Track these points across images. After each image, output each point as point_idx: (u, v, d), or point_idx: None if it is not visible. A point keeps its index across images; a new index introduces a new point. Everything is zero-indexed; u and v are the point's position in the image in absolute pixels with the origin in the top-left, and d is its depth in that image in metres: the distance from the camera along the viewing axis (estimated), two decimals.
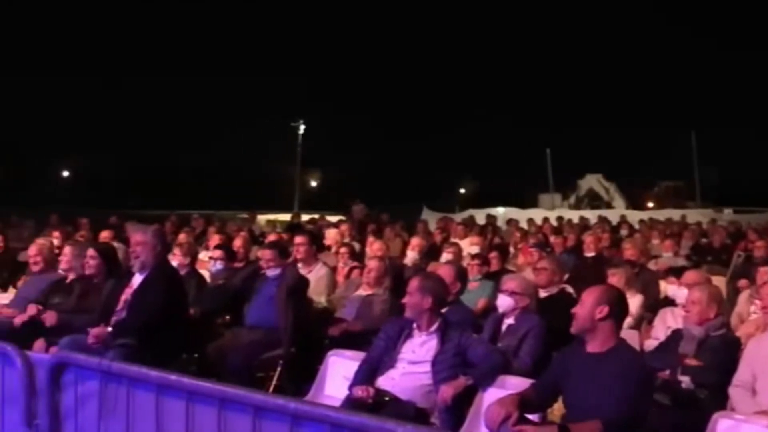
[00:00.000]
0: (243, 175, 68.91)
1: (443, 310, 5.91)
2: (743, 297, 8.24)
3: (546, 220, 22.64)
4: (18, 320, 7.23)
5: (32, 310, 7.29)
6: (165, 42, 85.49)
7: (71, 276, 7.76)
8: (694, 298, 5.93)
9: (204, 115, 78.35)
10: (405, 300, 5.76)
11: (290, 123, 55.03)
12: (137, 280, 6.73)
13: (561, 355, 4.99)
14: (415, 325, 5.71)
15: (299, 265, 8.52)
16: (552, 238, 14.72)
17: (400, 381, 5.51)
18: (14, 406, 4.31)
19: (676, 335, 6.01)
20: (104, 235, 11.45)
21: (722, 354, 5.62)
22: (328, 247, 11.96)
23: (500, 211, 29.36)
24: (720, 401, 5.31)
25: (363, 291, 8.05)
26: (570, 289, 7.83)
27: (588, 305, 4.63)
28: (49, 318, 7.10)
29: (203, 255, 10.72)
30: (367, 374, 5.59)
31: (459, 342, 5.58)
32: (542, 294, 7.36)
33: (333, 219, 20.92)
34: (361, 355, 5.94)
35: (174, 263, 8.01)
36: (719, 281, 9.40)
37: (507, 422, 4.31)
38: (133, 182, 64.66)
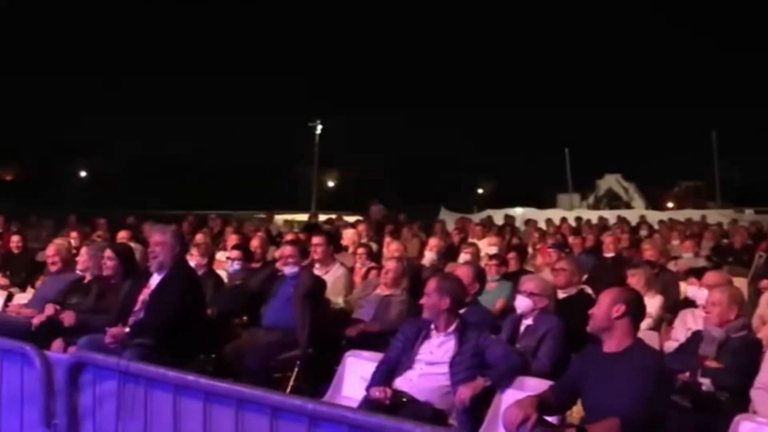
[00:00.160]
0: (260, 176, 69.08)
1: (461, 311, 5.91)
2: (765, 298, 8.18)
3: (564, 220, 22.58)
4: (36, 320, 7.28)
5: (50, 310, 7.34)
6: (182, 42, 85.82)
7: (89, 276, 7.81)
8: (715, 300, 5.90)
9: (221, 116, 78.53)
10: (423, 301, 5.76)
11: (307, 123, 55.11)
12: (155, 280, 6.76)
13: (579, 356, 4.99)
14: (432, 326, 5.70)
15: (316, 265, 8.52)
16: (571, 239, 14.67)
17: (418, 382, 5.51)
18: (33, 405, 4.34)
19: (696, 337, 5.97)
20: (122, 235, 11.51)
21: (743, 356, 5.58)
22: (346, 248, 11.96)
23: (518, 212, 29.28)
24: (741, 404, 5.28)
25: (380, 292, 8.05)
26: (589, 290, 7.80)
27: (605, 305, 4.65)
28: (68, 318, 7.15)
29: (220, 255, 10.76)
30: (384, 375, 5.59)
31: (477, 343, 5.57)
32: (561, 295, 7.34)
33: (350, 219, 20.93)
34: (378, 355, 5.94)
35: (191, 263, 8.04)
36: (740, 282, 9.33)
37: (525, 424, 4.30)
38: (151, 183, 64.91)
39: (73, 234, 12.58)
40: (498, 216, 24.38)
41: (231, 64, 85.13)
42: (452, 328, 5.65)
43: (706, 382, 5.49)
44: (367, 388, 5.50)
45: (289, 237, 11.76)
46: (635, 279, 7.92)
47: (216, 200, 44.13)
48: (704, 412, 5.30)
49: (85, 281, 7.81)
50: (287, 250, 7.83)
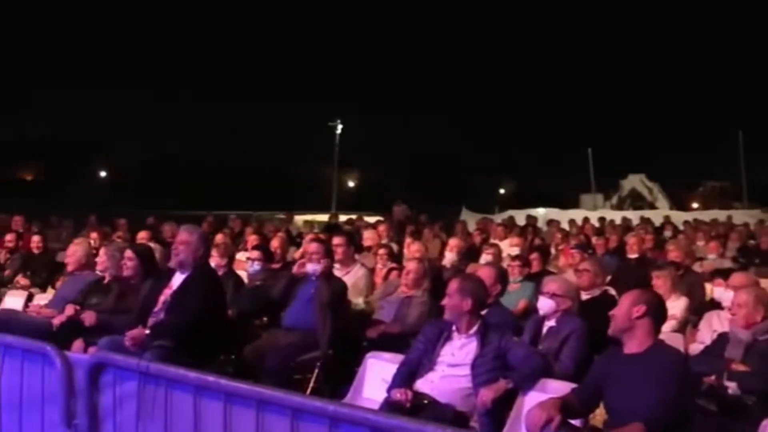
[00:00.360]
0: (280, 176, 69.29)
1: (483, 312, 5.89)
2: None
3: (587, 220, 22.47)
4: (56, 321, 7.32)
5: (70, 310, 7.39)
6: (202, 44, 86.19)
7: (109, 276, 7.85)
8: (741, 301, 5.86)
9: (241, 115, 78.86)
10: (444, 302, 5.75)
11: (328, 123, 55.16)
12: (177, 280, 6.78)
13: (600, 359, 4.97)
14: (454, 328, 5.69)
15: (337, 266, 8.53)
16: (594, 239, 14.61)
17: (439, 384, 5.50)
18: (54, 405, 4.37)
19: (722, 339, 5.93)
20: (141, 235, 11.56)
21: None
22: (368, 248, 11.96)
23: (540, 212, 29.15)
24: None
25: (401, 292, 8.04)
26: (612, 292, 7.75)
27: (625, 306, 4.66)
28: (88, 318, 7.19)
29: (241, 255, 10.78)
30: (405, 377, 5.59)
31: (499, 344, 5.56)
32: (584, 296, 7.31)
33: (371, 220, 20.92)
34: (399, 357, 5.94)
35: (211, 264, 8.07)
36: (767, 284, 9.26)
37: (548, 426, 4.29)
38: (171, 182, 65.20)
39: (93, 234, 12.66)
40: (520, 216, 24.26)
41: (251, 66, 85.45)
42: (474, 329, 5.65)
43: (732, 386, 5.45)
44: (388, 390, 5.50)
45: (309, 237, 11.76)
46: (660, 281, 7.88)
47: (236, 200, 44.27)
48: (730, 416, 5.26)
49: (105, 281, 7.85)
50: (313, 246, 7.84)
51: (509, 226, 18.59)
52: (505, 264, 9.41)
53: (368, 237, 12.74)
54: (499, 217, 25.51)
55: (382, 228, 14.43)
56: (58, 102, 72.84)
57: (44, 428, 4.49)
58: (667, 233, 18.94)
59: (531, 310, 7.52)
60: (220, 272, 8.24)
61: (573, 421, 4.59)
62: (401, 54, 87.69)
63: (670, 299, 7.65)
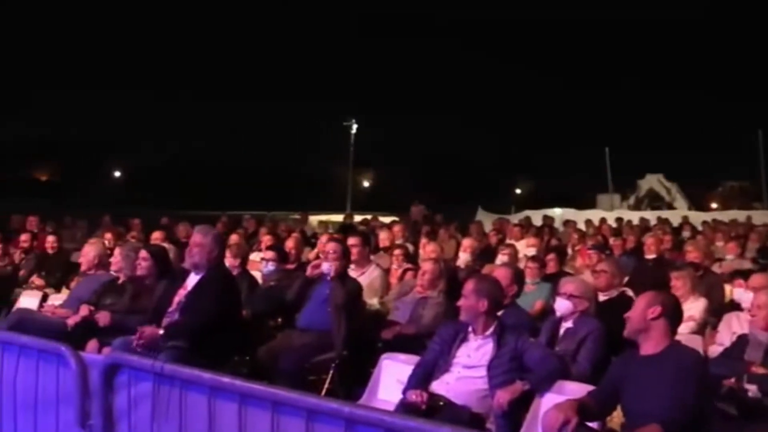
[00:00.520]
0: (295, 176, 69.41)
1: (499, 313, 5.88)
2: None
3: (605, 221, 22.40)
4: (71, 321, 7.36)
5: (84, 310, 7.43)
6: (216, 44, 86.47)
7: (123, 277, 7.88)
8: (761, 302, 5.82)
9: (256, 116, 79.02)
10: (460, 303, 5.74)
11: (342, 122, 55.16)
12: (192, 281, 6.80)
13: (617, 361, 4.96)
14: (470, 329, 5.69)
15: (352, 266, 8.53)
16: (611, 240, 14.56)
17: (455, 385, 5.50)
18: (68, 406, 4.39)
19: (741, 341, 5.90)
20: (155, 236, 11.60)
21: None
22: (383, 248, 11.97)
23: (557, 212, 29.07)
24: None
25: (417, 293, 8.03)
26: (630, 293, 7.73)
27: (640, 307, 4.67)
28: (103, 318, 7.23)
29: (255, 256, 10.80)
30: (421, 378, 5.59)
31: (515, 346, 5.55)
32: (601, 297, 7.29)
33: (386, 220, 20.92)
34: (414, 358, 5.93)
35: (226, 264, 8.08)
36: None
37: (565, 428, 4.28)
38: (185, 182, 65.42)
39: (108, 235, 12.71)
40: (536, 217, 24.21)
41: (268, 66, 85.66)
42: (490, 330, 5.64)
43: (752, 389, 5.41)
44: (404, 392, 5.50)
45: (323, 238, 11.77)
46: (679, 282, 7.84)
47: (251, 200, 44.37)
48: (750, 419, 5.23)
49: (119, 282, 7.88)
50: (329, 246, 7.85)
51: (525, 226, 18.55)
52: (521, 265, 9.40)
53: (384, 237, 12.76)
54: (515, 218, 25.44)
55: (397, 228, 14.43)
56: (73, 102, 73.18)
57: (59, 429, 4.51)
58: (686, 234, 18.86)
59: (547, 311, 7.50)
60: (234, 273, 8.25)
61: (590, 424, 4.57)
62: (418, 54, 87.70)
63: (689, 300, 7.62)
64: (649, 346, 4.57)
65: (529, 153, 74.44)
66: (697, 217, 25.95)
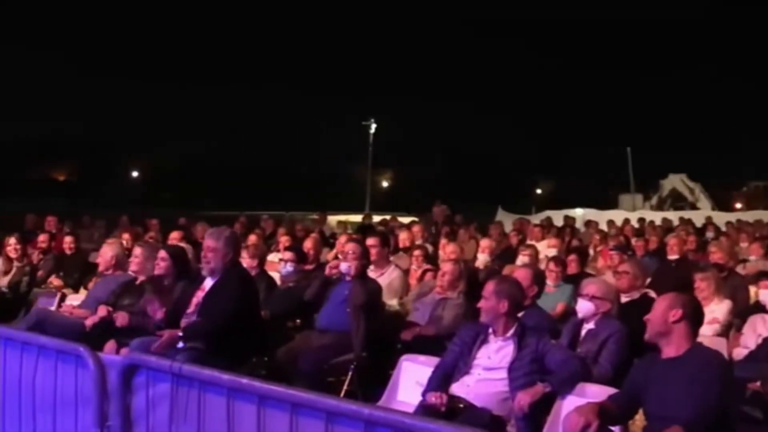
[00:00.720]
0: (314, 176, 69.51)
1: (520, 315, 5.87)
2: None
3: (627, 221, 22.31)
4: (89, 322, 7.40)
5: (103, 311, 7.46)
6: (233, 44, 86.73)
7: (141, 277, 7.91)
8: None
9: (273, 115, 79.18)
10: (480, 304, 5.73)
11: (361, 122, 55.15)
12: (209, 282, 6.82)
13: (638, 364, 4.93)
14: (490, 330, 5.68)
15: (371, 267, 8.53)
16: (633, 241, 14.50)
17: (475, 387, 5.49)
18: (87, 407, 4.42)
19: (766, 343, 5.87)
20: (173, 236, 11.64)
21: None
22: (404, 249, 11.96)
23: (578, 213, 28.99)
24: None
25: (436, 294, 8.03)
26: (652, 294, 7.69)
27: (660, 310, 4.63)
28: (121, 319, 7.25)
29: (273, 257, 10.82)
30: (440, 380, 5.58)
31: (536, 348, 5.53)
32: (623, 299, 7.25)
33: (405, 220, 20.92)
34: (434, 360, 5.93)
35: (244, 265, 8.10)
36: None
37: (587, 431, 4.26)
38: (204, 183, 65.66)
39: (126, 235, 12.77)
40: (557, 217, 24.15)
41: (286, 66, 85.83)
42: (511, 332, 5.63)
43: None
44: (423, 393, 5.50)
45: (342, 238, 11.79)
46: (704, 283, 7.79)
47: (269, 200, 44.48)
48: None
49: (137, 282, 7.91)
50: (350, 246, 7.86)
51: (546, 226, 18.48)
52: (542, 265, 9.37)
53: (404, 238, 12.76)
54: (536, 218, 25.36)
55: (416, 229, 14.42)
56: (91, 102, 73.58)
57: (77, 429, 4.53)
58: (710, 234, 18.73)
59: (569, 313, 7.48)
60: (252, 273, 8.27)
61: (611, 428, 4.55)
62: (438, 52, 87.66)
63: (713, 302, 7.59)
64: (670, 349, 4.54)
65: (550, 153, 74.24)
66: (720, 218, 25.79)
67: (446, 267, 8.17)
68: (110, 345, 6.94)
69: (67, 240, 11.79)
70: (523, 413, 5.26)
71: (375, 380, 6.86)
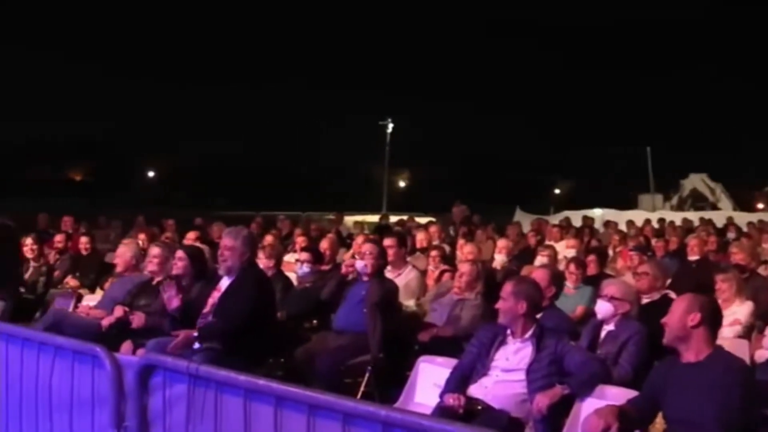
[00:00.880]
0: (330, 176, 69.58)
1: (538, 316, 5.86)
2: None
3: (647, 222, 22.21)
4: (105, 322, 7.44)
5: (119, 312, 7.49)
6: (249, 44, 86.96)
7: (158, 278, 7.94)
8: None
9: (290, 116, 79.33)
10: (498, 305, 5.73)
11: (378, 122, 55.12)
12: (225, 283, 6.85)
13: (657, 368, 4.91)
14: (509, 332, 5.67)
15: (388, 267, 8.54)
16: (653, 241, 14.44)
17: (493, 389, 5.48)
18: (103, 407, 4.43)
19: None
20: (189, 236, 11.68)
21: None
22: (421, 250, 11.96)
23: (597, 213, 28.89)
24: None
25: (454, 295, 8.02)
26: (673, 295, 7.65)
27: (678, 314, 4.57)
28: (137, 320, 7.28)
29: (289, 257, 10.84)
30: (458, 382, 5.58)
31: (555, 349, 5.52)
32: (643, 300, 7.23)
33: (422, 220, 20.91)
34: (452, 361, 5.93)
35: (260, 266, 8.12)
36: None
37: None
38: (220, 183, 65.85)
39: (142, 235, 12.82)
40: (576, 217, 24.06)
41: (300, 66, 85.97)
42: (529, 333, 5.62)
43: None
44: (441, 395, 5.50)
45: (359, 239, 11.80)
46: (726, 284, 7.75)
47: (285, 201, 44.57)
48: None
49: (154, 283, 7.94)
50: (367, 246, 7.87)
51: (565, 227, 18.43)
52: (561, 266, 9.34)
53: (421, 238, 12.76)
54: (554, 218, 25.30)
55: (433, 229, 14.42)
56: (108, 102, 73.94)
57: (94, 430, 4.55)
58: (731, 235, 18.64)
59: (589, 315, 7.45)
60: (269, 274, 8.29)
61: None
62: (454, 52, 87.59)
63: (734, 303, 7.55)
64: (690, 354, 4.50)
65: (568, 152, 73.93)
66: (742, 218, 25.62)
67: (464, 268, 8.16)
68: (126, 345, 6.97)
69: (83, 240, 11.85)
70: (541, 415, 5.25)
71: (392, 381, 6.87)
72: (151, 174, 74.17)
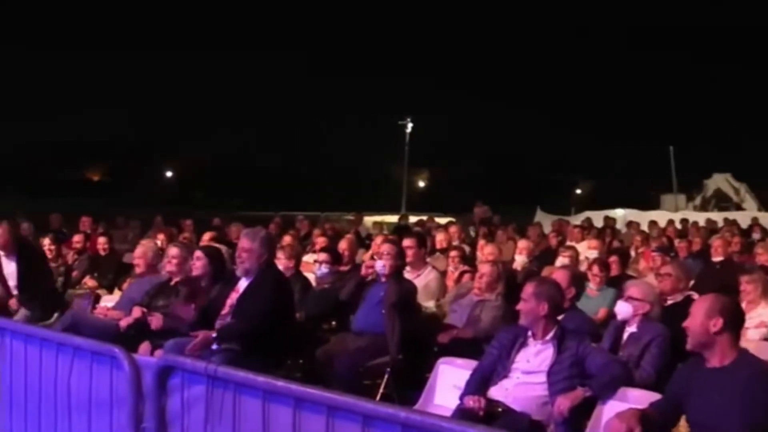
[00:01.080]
0: (349, 176, 69.62)
1: (559, 318, 5.85)
2: None
3: (670, 222, 22.11)
4: (123, 323, 7.48)
5: (137, 312, 7.53)
6: (267, 44, 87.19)
7: (176, 278, 7.97)
8: None
9: (310, 116, 79.42)
10: (519, 306, 5.72)
11: (398, 122, 55.09)
12: (243, 284, 6.87)
13: (680, 371, 4.88)
14: (530, 333, 5.66)
15: (407, 268, 8.54)
16: (676, 242, 14.37)
17: (514, 391, 5.47)
18: (122, 408, 4.45)
19: None
20: (206, 237, 11.71)
21: None
22: (441, 250, 11.95)
23: (619, 213, 28.75)
24: None
25: (474, 296, 8.01)
26: (696, 297, 7.61)
27: (699, 318, 4.52)
28: (155, 321, 7.31)
29: (308, 258, 10.86)
30: (478, 384, 5.58)
31: (576, 351, 5.51)
32: (666, 301, 7.20)
33: (442, 221, 20.90)
34: (472, 363, 5.92)
35: (279, 267, 8.14)
36: None
37: None
38: (238, 183, 66.00)
39: (161, 236, 12.86)
40: (597, 218, 23.97)
41: (319, 65, 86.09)
42: (550, 335, 5.60)
43: None
44: (461, 397, 5.50)
45: (378, 239, 11.81)
46: (751, 286, 7.69)
47: (304, 201, 44.65)
48: None
49: (172, 283, 7.97)
50: (386, 246, 7.87)
51: (586, 227, 18.36)
52: (582, 267, 9.31)
53: (441, 239, 12.75)
54: (575, 219, 25.22)
55: (453, 229, 14.41)
56: (125, 102, 74.30)
57: (112, 431, 4.58)
58: (756, 236, 18.52)
59: (612, 317, 7.43)
60: (288, 274, 8.30)
61: None
62: (473, 51, 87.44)
63: (760, 305, 7.50)
64: (715, 360, 4.47)
65: (590, 152, 73.59)
66: (767, 219, 25.46)
67: (484, 268, 8.15)
68: (145, 346, 7.00)
69: (101, 241, 11.90)
70: (562, 418, 5.24)
71: (411, 383, 6.87)
72: (168, 174, 74.47)
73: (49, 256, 10.58)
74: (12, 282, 9.04)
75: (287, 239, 12.13)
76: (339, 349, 7.34)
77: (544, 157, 75.03)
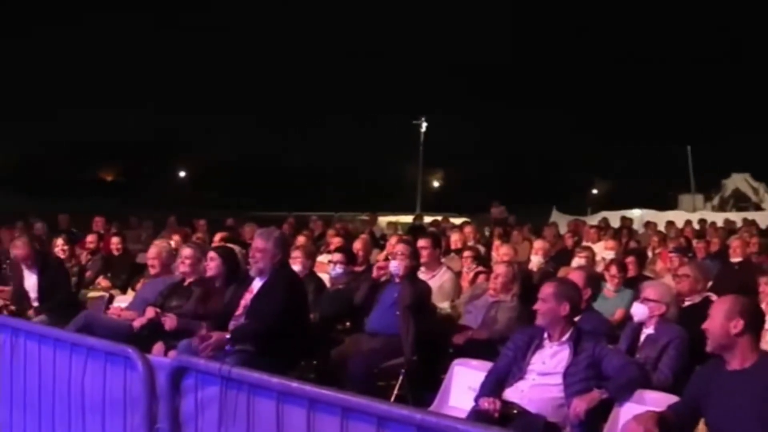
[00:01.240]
0: (363, 176, 69.67)
1: (576, 319, 5.83)
2: None
3: (688, 223, 22.01)
4: (137, 324, 7.50)
5: (150, 313, 7.54)
6: (282, 44, 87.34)
7: (189, 279, 7.99)
8: None
9: (324, 115, 79.52)
10: (537, 306, 5.70)
11: (412, 121, 55.08)
12: (257, 284, 6.88)
13: (700, 374, 4.85)
14: (545, 335, 5.65)
15: (422, 269, 8.53)
16: (694, 243, 14.31)
17: (529, 393, 5.47)
18: (136, 409, 4.47)
19: None
20: (218, 237, 11.73)
21: None
22: (456, 251, 11.94)
23: (636, 214, 28.67)
24: None
25: (489, 297, 7.99)
26: (714, 298, 7.57)
27: (719, 320, 4.50)
28: (169, 322, 7.33)
29: (322, 258, 10.86)
30: (494, 385, 5.57)
31: (593, 352, 5.49)
32: (684, 303, 7.17)
33: (456, 221, 20.89)
34: (487, 364, 5.92)
35: (296, 267, 8.15)
36: None
37: None
38: (252, 183, 66.14)
39: (175, 236, 12.89)
40: (614, 218, 23.90)
41: (332, 64, 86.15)
42: (566, 336, 5.59)
43: None
44: (476, 399, 5.49)
45: (393, 239, 11.80)
46: None
47: (318, 201, 44.69)
48: None
49: (186, 284, 7.99)
50: (400, 246, 7.87)
51: (603, 228, 18.30)
52: (599, 268, 9.27)
53: (456, 239, 12.74)
54: (592, 219, 25.16)
55: (468, 230, 14.39)
56: (140, 102, 74.57)
57: (126, 431, 4.60)
58: None
59: (629, 319, 7.41)
60: (301, 275, 8.30)
61: None
62: (486, 50, 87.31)
63: None
64: (735, 362, 4.45)
65: (606, 152, 73.35)
66: None
67: (499, 269, 8.12)
68: (158, 347, 7.03)
69: (114, 241, 11.93)
70: (578, 420, 5.23)
71: (426, 385, 6.87)
72: (182, 174, 74.69)
73: (63, 256, 10.61)
74: (33, 294, 9.11)
75: (301, 240, 12.15)
76: (353, 350, 7.34)
77: (560, 157, 74.88)
